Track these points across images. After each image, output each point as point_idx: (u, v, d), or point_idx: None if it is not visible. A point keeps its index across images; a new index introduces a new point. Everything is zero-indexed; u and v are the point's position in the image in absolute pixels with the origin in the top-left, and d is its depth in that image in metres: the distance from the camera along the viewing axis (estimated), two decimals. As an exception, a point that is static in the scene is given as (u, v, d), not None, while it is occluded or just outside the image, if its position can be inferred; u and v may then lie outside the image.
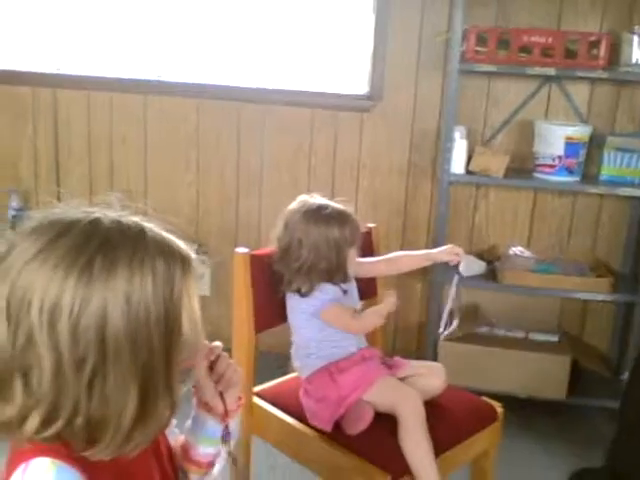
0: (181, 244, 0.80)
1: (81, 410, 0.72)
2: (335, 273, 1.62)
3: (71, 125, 2.97)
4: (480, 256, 2.71)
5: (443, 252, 1.78)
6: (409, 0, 2.68)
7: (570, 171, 2.52)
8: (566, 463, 2.28)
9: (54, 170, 3.02)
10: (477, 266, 2.63)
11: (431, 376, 1.70)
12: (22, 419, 0.72)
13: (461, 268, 2.56)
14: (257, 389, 1.78)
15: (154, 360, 0.74)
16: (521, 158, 2.68)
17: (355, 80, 2.84)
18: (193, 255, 0.81)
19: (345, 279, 1.66)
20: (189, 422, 1.01)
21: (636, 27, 2.43)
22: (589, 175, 2.58)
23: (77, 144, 2.98)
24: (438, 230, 2.57)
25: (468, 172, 2.56)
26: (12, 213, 2.83)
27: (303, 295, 1.61)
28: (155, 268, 0.74)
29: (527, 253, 2.69)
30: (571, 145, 2.50)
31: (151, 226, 0.79)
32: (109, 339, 0.71)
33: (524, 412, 2.50)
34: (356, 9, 2.78)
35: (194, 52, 2.88)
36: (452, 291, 1.81)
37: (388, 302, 1.64)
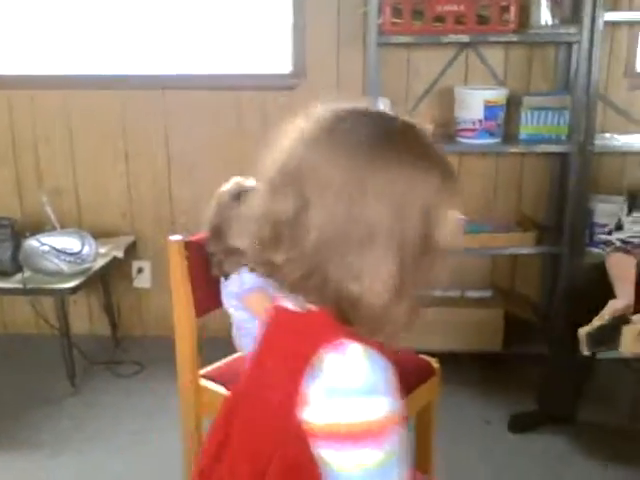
0: (444, 155, 0.84)
1: (332, 278, 0.77)
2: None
3: (-7, 127, 2.91)
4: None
5: None
6: (325, -24, 2.71)
7: (491, 133, 2.62)
8: (505, 409, 2.41)
9: (-21, 173, 2.96)
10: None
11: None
12: (286, 269, 0.79)
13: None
14: (203, 371, 1.82)
15: (409, 253, 0.78)
16: (444, 124, 2.75)
17: (278, 60, 2.86)
18: (453, 170, 0.84)
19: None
20: None
21: (542, -11, 2.53)
22: (509, 136, 2.69)
23: (0, 146, 2.92)
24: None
25: (394, 142, 2.63)
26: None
27: (226, 277, 1.65)
28: (417, 168, 0.79)
29: (457, 215, 2.78)
30: (490, 108, 2.59)
31: (420, 128, 0.83)
32: (373, 219, 0.76)
33: (463, 367, 2.63)
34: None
35: (114, 43, 2.85)
36: None
37: None
